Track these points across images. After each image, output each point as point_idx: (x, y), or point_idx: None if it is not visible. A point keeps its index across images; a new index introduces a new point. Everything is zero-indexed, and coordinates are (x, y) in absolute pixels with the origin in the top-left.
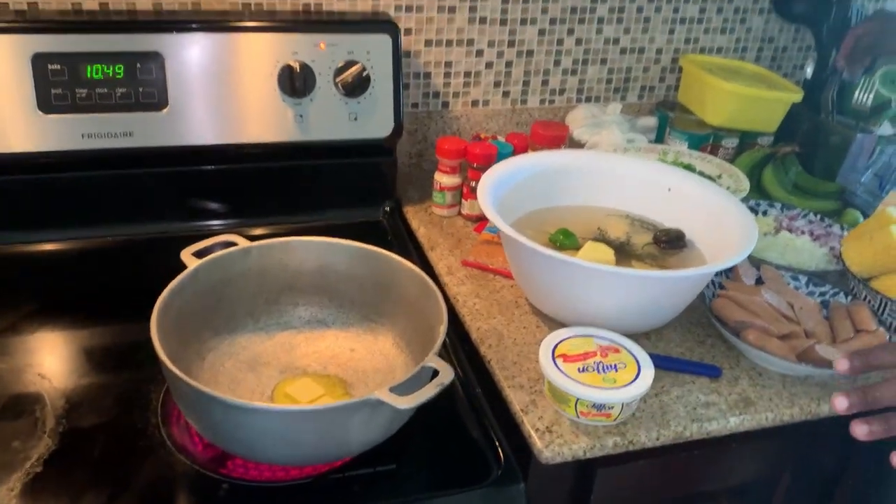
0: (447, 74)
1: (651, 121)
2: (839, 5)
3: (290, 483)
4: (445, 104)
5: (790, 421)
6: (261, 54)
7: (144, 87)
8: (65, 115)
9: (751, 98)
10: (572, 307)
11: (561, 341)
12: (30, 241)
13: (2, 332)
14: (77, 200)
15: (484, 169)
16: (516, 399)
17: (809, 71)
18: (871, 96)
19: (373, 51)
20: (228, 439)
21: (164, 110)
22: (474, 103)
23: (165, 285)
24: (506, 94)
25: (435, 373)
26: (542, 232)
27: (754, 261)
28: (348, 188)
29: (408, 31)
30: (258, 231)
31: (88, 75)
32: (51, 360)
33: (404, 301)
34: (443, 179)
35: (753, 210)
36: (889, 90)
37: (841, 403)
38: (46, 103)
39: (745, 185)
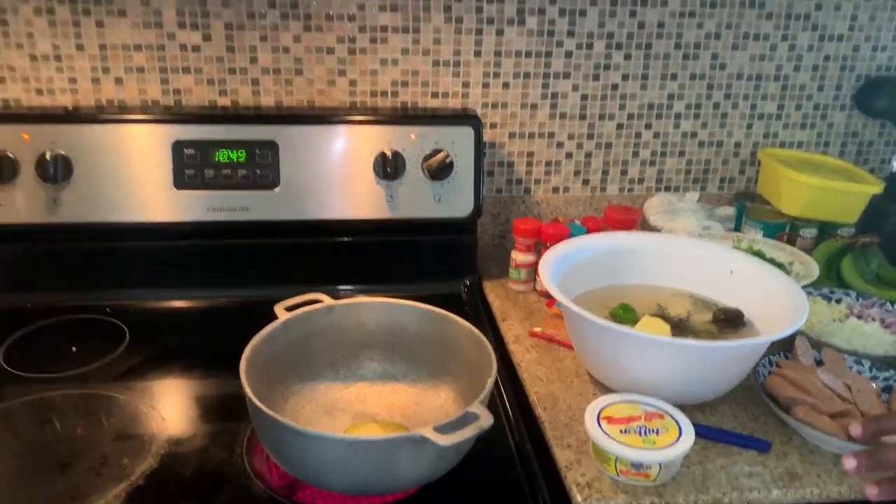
0: (529, 163)
1: (729, 210)
2: None
3: None
4: (527, 190)
5: (838, 499)
6: (359, 144)
7: (261, 169)
8: (195, 191)
9: (826, 189)
10: (623, 375)
11: (607, 405)
12: (160, 298)
13: (129, 371)
14: (201, 264)
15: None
16: (562, 456)
17: (895, 164)
18: None
19: (457, 141)
20: (297, 465)
21: (277, 189)
22: (555, 190)
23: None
24: (585, 182)
25: (477, 418)
26: (603, 306)
27: (817, 344)
28: (432, 262)
29: (493, 125)
30: (356, 295)
31: (216, 159)
32: (164, 397)
33: (465, 360)
34: (518, 257)
35: (826, 297)
36: None
37: (849, 463)
38: (181, 181)
39: (815, 272)
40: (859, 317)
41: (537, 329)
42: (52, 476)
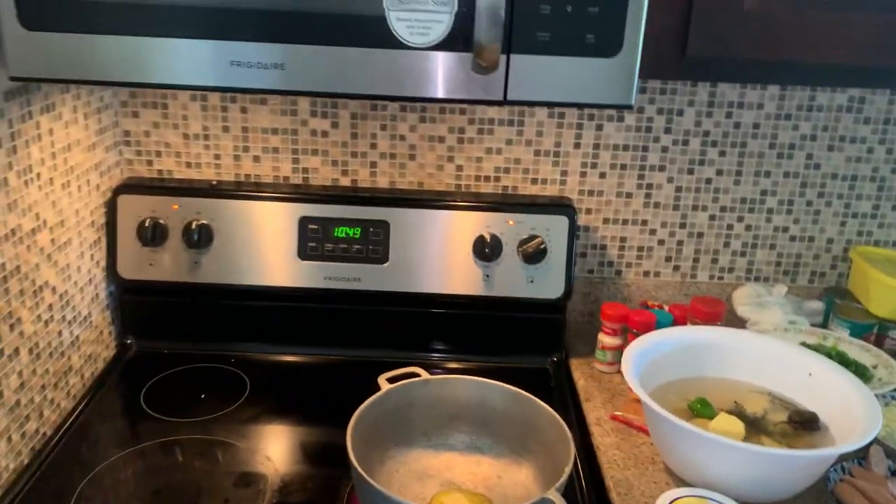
0: (622, 247)
1: (818, 305)
2: None
3: None
4: (619, 272)
5: None
6: (462, 227)
7: (373, 245)
8: (315, 262)
9: None
10: (695, 470)
11: (677, 498)
12: (279, 353)
13: (247, 420)
14: (318, 325)
15: (641, 333)
16: None
17: None
18: None
19: (552, 228)
20: None
21: (386, 264)
22: (645, 274)
23: (365, 397)
24: (676, 268)
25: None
26: (683, 398)
27: (893, 452)
28: (523, 338)
29: (588, 211)
30: (448, 364)
31: (335, 234)
32: (277, 446)
33: (546, 442)
34: (605, 339)
35: None
36: None
37: None
38: (304, 252)
39: None
40: None
41: (618, 413)
42: None
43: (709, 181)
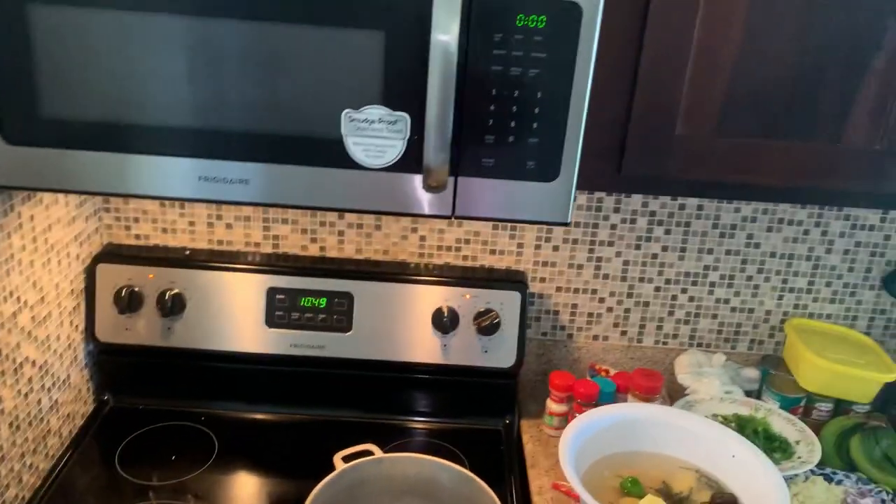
0: (573, 314)
1: (754, 373)
2: None
3: None
4: (570, 335)
5: None
6: (422, 300)
7: (337, 315)
8: (282, 329)
9: (841, 373)
10: None
11: None
12: (247, 411)
13: (215, 483)
14: (284, 387)
15: (587, 405)
16: None
17: None
18: None
19: (505, 302)
20: None
21: (349, 332)
22: (595, 338)
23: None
24: (623, 332)
25: None
26: (616, 475)
27: None
28: (477, 401)
29: (542, 279)
30: (409, 424)
31: (301, 304)
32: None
33: None
34: (552, 406)
35: (828, 478)
36: None
37: None
38: (271, 320)
39: (817, 457)
40: None
41: (560, 483)
42: None
43: (654, 255)
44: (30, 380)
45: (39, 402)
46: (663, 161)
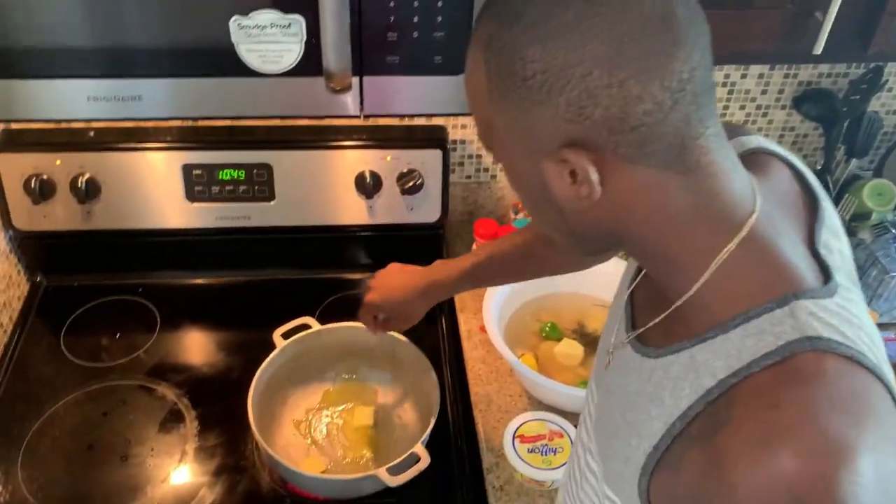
0: None
1: None
2: (849, 113)
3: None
4: (493, 176)
5: None
6: (343, 165)
7: (259, 186)
8: (204, 203)
9: None
10: (536, 391)
11: (522, 423)
12: (182, 278)
13: (161, 359)
14: (214, 257)
15: None
16: (485, 459)
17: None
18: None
19: (427, 161)
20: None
21: (273, 202)
22: None
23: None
24: None
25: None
26: (537, 320)
27: None
28: (406, 252)
29: (464, 126)
30: (344, 275)
31: (220, 177)
32: (191, 385)
33: (417, 377)
34: None
35: None
36: (874, 202)
37: None
38: (191, 195)
39: None
40: None
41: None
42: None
43: None
44: None
45: None
46: None
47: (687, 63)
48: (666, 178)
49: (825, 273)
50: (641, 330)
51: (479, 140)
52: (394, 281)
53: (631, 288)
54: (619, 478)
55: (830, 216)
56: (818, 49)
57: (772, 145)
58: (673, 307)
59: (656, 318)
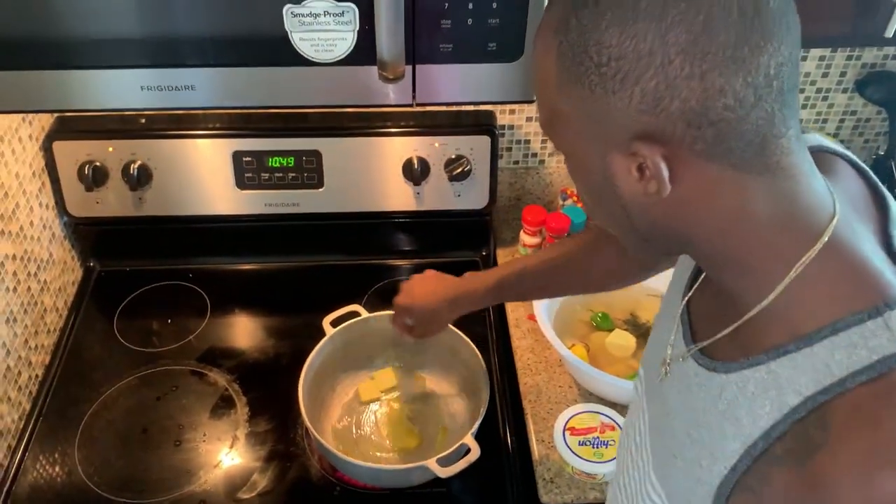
0: (544, 140)
1: None
2: None
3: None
4: (542, 162)
5: None
6: (391, 151)
7: (308, 173)
8: (254, 190)
9: None
10: (587, 384)
11: (573, 415)
12: (233, 264)
13: (212, 344)
14: (264, 243)
15: (558, 237)
16: (535, 451)
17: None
18: None
19: (475, 147)
20: (336, 467)
21: (322, 188)
22: None
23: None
24: None
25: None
26: (588, 309)
27: None
28: (455, 240)
29: (512, 111)
30: (392, 262)
31: (269, 164)
32: (241, 370)
33: (465, 366)
34: (525, 239)
35: None
36: None
37: None
38: (241, 182)
39: None
40: None
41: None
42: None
43: None
44: (14, 274)
45: (29, 289)
46: None
47: (775, 58)
48: (743, 179)
49: None
50: (707, 343)
51: (541, 128)
52: (427, 286)
53: (688, 296)
54: (686, 496)
55: None
56: (889, 32)
57: (832, 143)
58: (745, 318)
59: (723, 330)
